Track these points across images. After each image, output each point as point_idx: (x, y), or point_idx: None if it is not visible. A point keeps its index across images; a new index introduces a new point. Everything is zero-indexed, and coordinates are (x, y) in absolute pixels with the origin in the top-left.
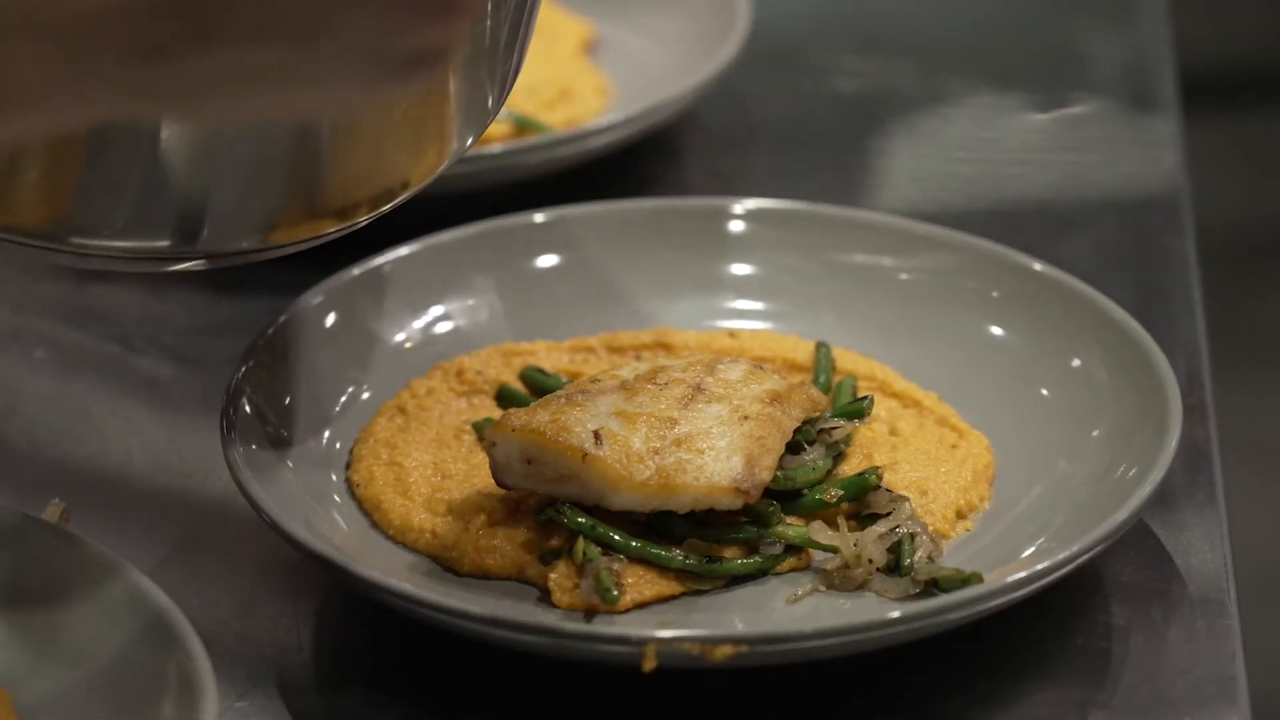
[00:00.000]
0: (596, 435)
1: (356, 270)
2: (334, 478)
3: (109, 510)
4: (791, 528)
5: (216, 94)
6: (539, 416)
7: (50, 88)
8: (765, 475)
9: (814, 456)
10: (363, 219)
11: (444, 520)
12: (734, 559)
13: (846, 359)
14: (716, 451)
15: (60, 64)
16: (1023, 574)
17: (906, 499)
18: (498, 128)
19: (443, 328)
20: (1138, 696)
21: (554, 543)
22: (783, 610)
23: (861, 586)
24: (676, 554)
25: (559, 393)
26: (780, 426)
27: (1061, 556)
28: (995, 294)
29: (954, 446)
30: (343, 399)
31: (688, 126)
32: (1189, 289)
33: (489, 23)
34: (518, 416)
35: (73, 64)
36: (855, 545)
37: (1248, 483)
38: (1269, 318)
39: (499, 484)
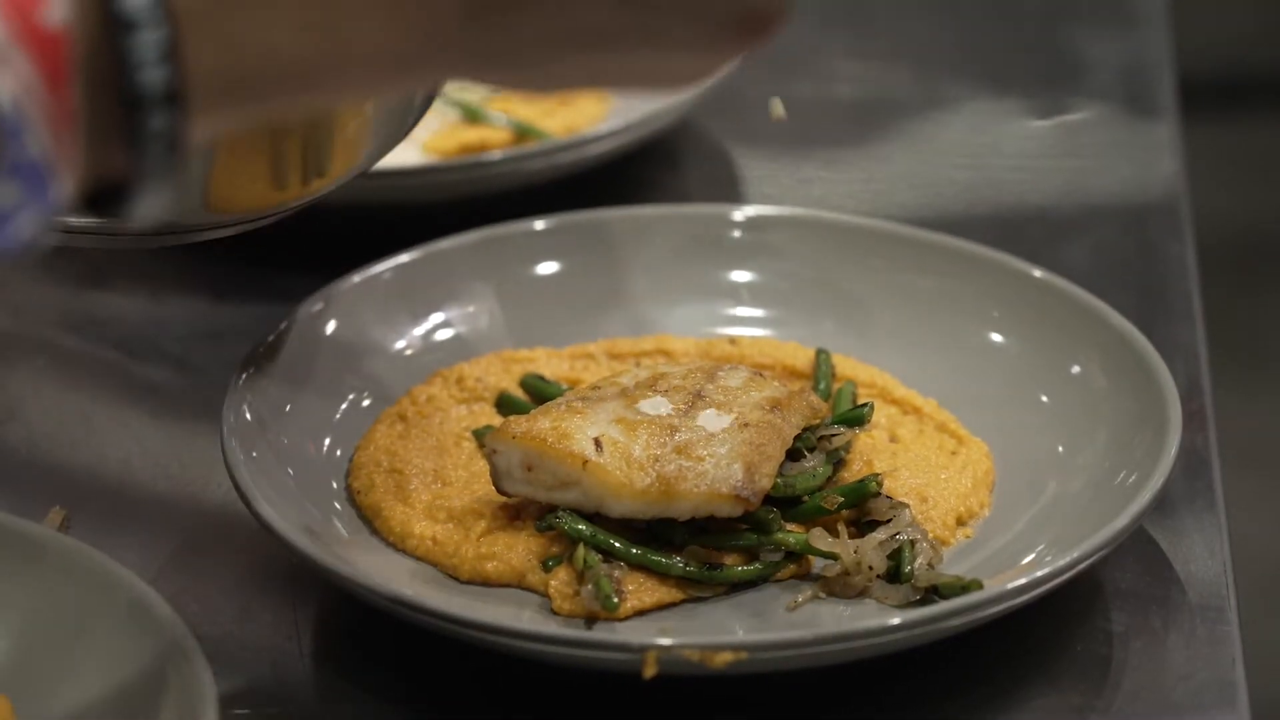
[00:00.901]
0: (597, 442)
1: (357, 277)
2: (334, 485)
3: (109, 517)
4: (792, 534)
5: (551, 56)
6: (539, 424)
7: (388, 47)
8: (765, 482)
9: (814, 463)
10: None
11: (444, 527)
12: (734, 566)
13: (846, 365)
14: (717, 459)
15: (403, 20)
16: (1022, 580)
17: (906, 506)
18: (497, 134)
19: (443, 335)
20: (1137, 703)
21: (554, 550)
22: (783, 617)
23: (861, 593)
24: (677, 561)
25: (559, 400)
26: (780, 433)
27: (1061, 563)
28: (994, 301)
29: (954, 453)
30: (343, 406)
31: (687, 133)
32: (1188, 295)
33: None
34: (518, 424)
35: (417, 21)
36: (855, 552)
37: (1247, 489)
38: (1268, 323)
39: (499, 491)
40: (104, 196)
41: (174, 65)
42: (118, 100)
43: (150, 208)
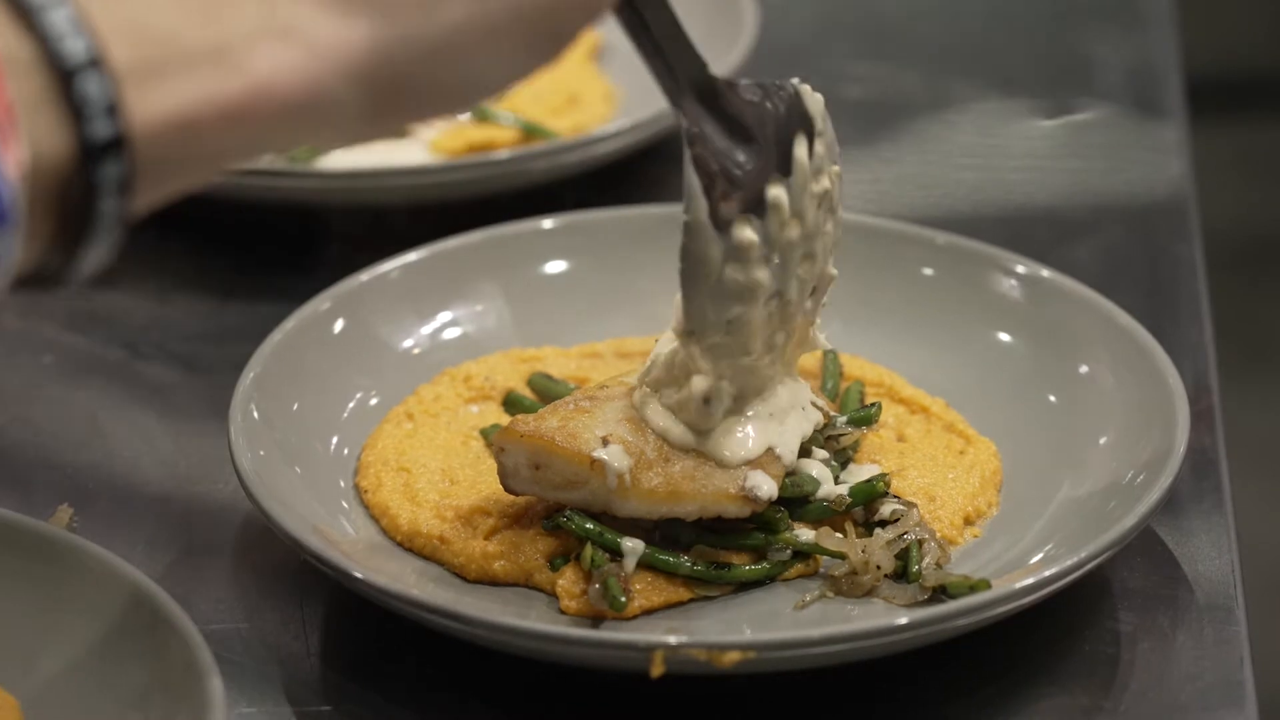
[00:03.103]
0: (605, 441)
1: (364, 276)
2: (342, 484)
3: (116, 516)
4: (799, 534)
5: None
6: (547, 422)
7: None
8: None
9: (822, 463)
10: None
11: (452, 526)
12: (742, 565)
13: (854, 365)
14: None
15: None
16: (1030, 580)
17: (914, 505)
18: (505, 134)
19: (450, 334)
20: (1145, 703)
21: (562, 549)
22: (790, 616)
23: (869, 593)
24: (684, 560)
25: (567, 399)
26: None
27: (1069, 563)
28: (1002, 300)
29: (961, 453)
30: (350, 405)
31: None
32: (1196, 295)
33: None
34: (526, 422)
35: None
36: (863, 551)
37: (1255, 489)
38: (1276, 323)
39: (507, 490)
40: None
41: (87, 36)
42: (51, 79)
43: (110, 177)
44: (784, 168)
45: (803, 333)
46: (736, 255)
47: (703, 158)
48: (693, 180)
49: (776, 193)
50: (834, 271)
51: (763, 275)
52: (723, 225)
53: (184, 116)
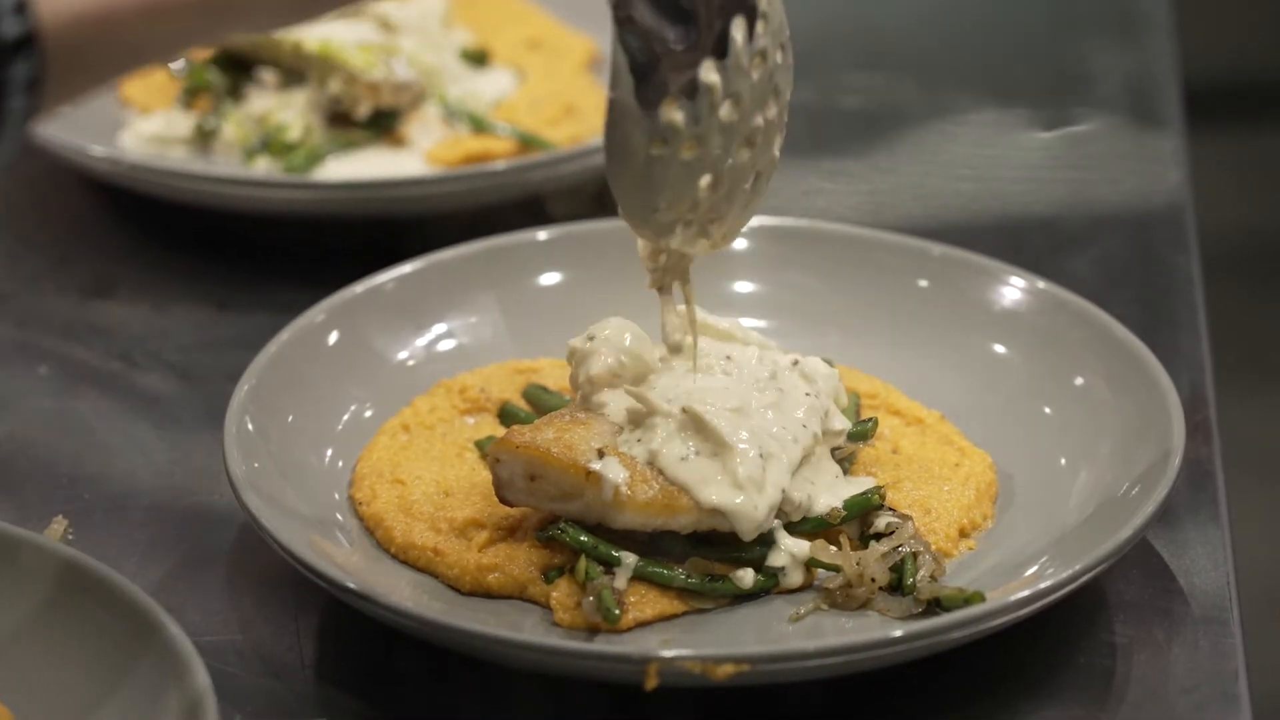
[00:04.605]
0: (601, 453)
1: (359, 288)
2: (336, 496)
3: (111, 528)
4: (794, 547)
5: None
6: (543, 434)
7: None
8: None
9: None
10: None
11: (446, 538)
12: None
13: (850, 377)
14: None
15: None
16: (1025, 593)
17: (909, 518)
18: (501, 145)
19: (446, 345)
20: (1141, 715)
21: (556, 561)
22: (785, 629)
23: (864, 605)
24: (679, 573)
25: (563, 410)
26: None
27: (1064, 575)
28: (999, 312)
29: (957, 465)
30: (345, 416)
31: None
32: (1193, 305)
33: None
34: (521, 433)
35: None
36: (858, 564)
37: (1252, 500)
38: (1274, 333)
39: (502, 501)
40: None
41: None
42: None
43: (19, 76)
44: (720, 49)
45: (735, 225)
46: (662, 136)
47: (629, 33)
48: (618, 56)
49: (709, 74)
50: (776, 154)
51: (690, 157)
52: (649, 105)
53: (97, 11)
